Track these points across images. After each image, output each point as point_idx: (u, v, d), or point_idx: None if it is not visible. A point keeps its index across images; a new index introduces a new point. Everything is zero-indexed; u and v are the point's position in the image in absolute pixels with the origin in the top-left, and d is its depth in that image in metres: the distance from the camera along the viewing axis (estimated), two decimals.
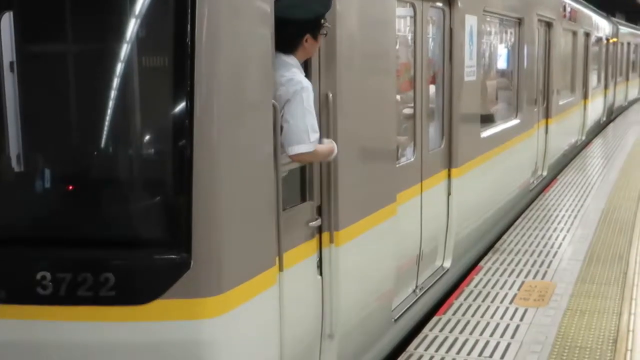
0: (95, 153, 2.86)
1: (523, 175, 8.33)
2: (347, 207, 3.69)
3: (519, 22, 7.88)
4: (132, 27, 2.73)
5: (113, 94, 2.78)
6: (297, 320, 3.29)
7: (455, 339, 4.52)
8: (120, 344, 2.68)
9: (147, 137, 2.90)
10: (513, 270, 5.89)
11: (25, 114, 2.80)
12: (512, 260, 6.16)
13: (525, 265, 6.02)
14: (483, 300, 5.18)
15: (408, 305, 4.73)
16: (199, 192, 2.60)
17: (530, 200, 8.65)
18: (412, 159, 4.90)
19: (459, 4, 5.55)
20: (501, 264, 6.07)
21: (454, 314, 4.94)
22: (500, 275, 5.76)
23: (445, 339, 4.54)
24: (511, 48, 8.12)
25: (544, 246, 6.60)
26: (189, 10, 2.56)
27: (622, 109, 21.37)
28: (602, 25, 15.92)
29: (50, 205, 2.82)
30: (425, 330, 4.70)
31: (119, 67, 2.76)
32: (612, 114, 19.00)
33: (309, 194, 3.50)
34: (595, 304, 5.06)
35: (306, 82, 3.22)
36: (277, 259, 3.05)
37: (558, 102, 10.29)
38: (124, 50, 2.76)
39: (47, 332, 2.70)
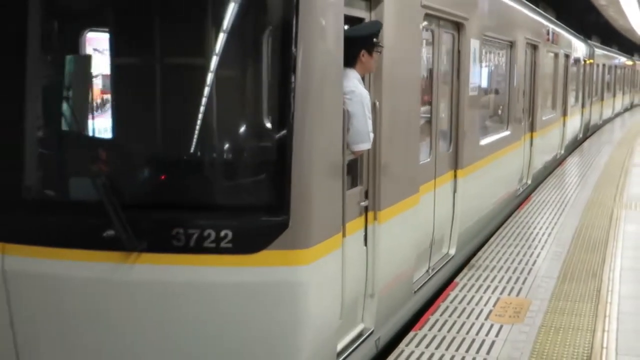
0: (222, 143, 3.88)
1: (512, 181, 9.36)
2: (386, 193, 4.61)
3: (511, 45, 8.92)
4: (264, 53, 3.76)
5: (242, 104, 3.92)
6: (351, 277, 4.15)
7: (432, 355, 4.53)
8: (235, 283, 3.53)
9: (259, 132, 3.87)
10: (489, 287, 5.92)
11: (188, 112, 3.76)
12: (487, 277, 6.20)
13: (500, 281, 6.06)
14: (459, 316, 5.20)
15: (423, 282, 5.63)
16: (296, 173, 3.51)
17: (516, 205, 9.50)
18: (429, 160, 5.84)
19: (466, 29, 6.53)
20: (477, 280, 6.11)
21: (430, 329, 4.96)
22: (476, 292, 5.79)
23: (422, 354, 4.55)
24: (504, 67, 9.06)
25: (519, 263, 6.65)
26: (294, 39, 3.49)
27: (597, 127, 22.32)
28: (580, 48, 17.04)
29: (187, 181, 3.74)
30: (402, 345, 4.71)
31: (248, 82, 3.94)
32: (588, 131, 19.82)
33: (360, 180, 4.44)
34: (570, 321, 5.10)
35: (365, 93, 4.17)
36: (342, 227, 3.95)
37: (542, 118, 11.28)
38: (254, 66, 3.84)
39: (178, 274, 3.52)
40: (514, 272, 6.35)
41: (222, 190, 3.76)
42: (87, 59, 4.03)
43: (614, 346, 4.67)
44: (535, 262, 6.71)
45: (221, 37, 3.74)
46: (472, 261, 6.72)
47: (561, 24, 14.70)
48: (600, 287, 5.86)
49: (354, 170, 4.39)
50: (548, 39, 11.87)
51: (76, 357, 3.76)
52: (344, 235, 3.98)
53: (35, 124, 3.88)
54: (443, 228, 6.24)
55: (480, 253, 7.00)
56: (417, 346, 4.68)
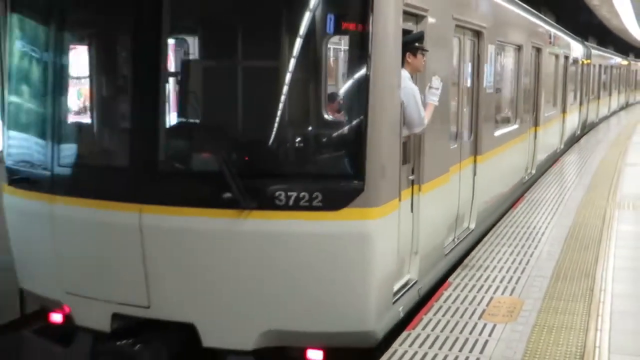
0: (313, 128, 5.06)
1: (520, 169, 10.68)
2: (426, 170, 5.79)
3: (519, 48, 10.16)
4: (348, 58, 4.98)
5: (336, 102, 5.16)
6: (403, 235, 5.27)
7: (425, 354, 4.55)
8: (322, 233, 4.61)
9: (342, 119, 5.04)
10: (482, 286, 5.94)
11: (292, 105, 4.93)
12: (481, 276, 6.22)
13: (494, 281, 6.08)
14: (452, 316, 5.21)
15: (451, 249, 6.72)
16: (370, 151, 4.61)
17: (522, 192, 10.62)
18: (455, 146, 6.92)
19: (484, 36, 7.67)
20: (470, 279, 6.13)
21: (423, 329, 4.97)
22: (470, 291, 5.81)
23: (415, 354, 4.56)
24: (513, 68, 10.17)
25: (513, 262, 6.67)
26: (369, 46, 4.63)
27: (594, 125, 23.44)
28: (577, 49, 18.22)
29: (289, 156, 4.97)
30: (395, 345, 4.72)
31: (344, 82, 5.19)
32: (585, 128, 20.88)
33: (408, 158, 5.55)
34: (563, 320, 5.12)
35: (415, 88, 5.47)
36: (398, 194, 5.10)
37: (544, 114, 12.50)
38: (360, 71, 4.73)
39: (280, 226, 4.62)
40: (507, 271, 6.37)
41: (314, 163, 4.91)
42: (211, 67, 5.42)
43: (607, 345, 4.69)
44: (528, 261, 6.73)
45: (323, 49, 5.00)
46: (466, 261, 6.74)
47: (560, 27, 15.76)
48: (593, 287, 5.89)
49: (405, 150, 5.46)
50: (550, 42, 13.04)
51: (191, 285, 4.85)
52: (399, 200, 5.15)
53: (174, 117, 5.23)
54: (465, 205, 7.32)
55: (474, 252, 7.03)
56: (410, 346, 4.69)
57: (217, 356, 4.99)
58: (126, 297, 5.04)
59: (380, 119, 4.75)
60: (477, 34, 7.61)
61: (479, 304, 5.48)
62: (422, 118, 5.45)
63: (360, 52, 4.75)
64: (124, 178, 4.94)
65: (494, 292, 5.78)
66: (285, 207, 4.61)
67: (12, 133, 5.69)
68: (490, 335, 4.84)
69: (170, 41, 5.16)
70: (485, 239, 7.62)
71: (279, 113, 4.87)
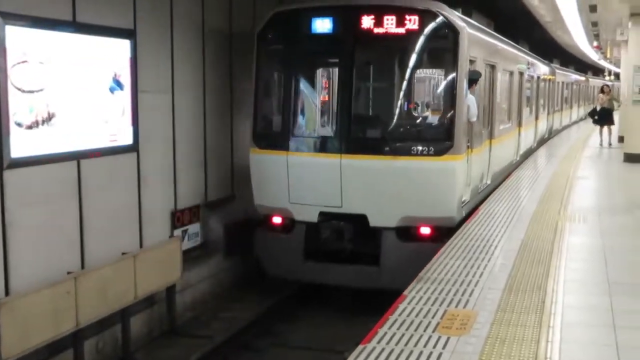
0: (427, 115, 10.66)
1: (512, 154, 15.54)
2: (475, 142, 10.41)
3: (511, 73, 14.84)
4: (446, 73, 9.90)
5: (436, 97, 10.86)
6: (466, 172, 9.87)
7: None
8: (433, 167, 9.22)
9: (443, 108, 9.89)
10: (437, 299, 6.00)
11: (410, 101, 10.54)
12: (435, 289, 6.28)
13: (448, 294, 6.15)
14: (407, 329, 5.25)
15: (479, 190, 11.26)
16: (456, 129, 9.34)
17: (514, 168, 15.47)
18: (484, 131, 11.48)
19: (496, 68, 12.56)
20: (425, 292, 6.18)
21: (378, 342, 5.00)
22: (424, 304, 5.86)
23: None
24: (508, 87, 14.75)
25: (467, 275, 6.75)
26: (456, 53, 9.47)
27: (558, 132, 28.16)
28: (545, 70, 22.58)
29: (418, 130, 10.07)
30: (350, 359, 4.74)
31: (443, 78, 9.98)
32: (551, 133, 25.25)
33: (468, 134, 9.88)
34: (515, 332, 5.20)
35: (473, 98, 9.97)
36: (466, 151, 9.77)
37: (525, 117, 17.18)
38: (440, 71, 10.35)
39: (412, 164, 9.24)
40: (461, 284, 6.44)
41: (430, 134, 9.81)
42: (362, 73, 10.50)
43: (557, 356, 4.77)
44: (482, 274, 6.81)
45: (433, 65, 10.72)
46: (421, 274, 6.79)
47: (533, 53, 20.65)
48: (545, 299, 5.99)
49: (467, 130, 9.88)
50: (527, 67, 17.43)
51: (365, 194, 9.35)
52: (467, 154, 9.81)
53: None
54: (484, 170, 11.64)
55: (429, 265, 7.09)
56: (365, 359, 4.71)
57: (375, 232, 9.46)
58: (329, 202, 9.54)
59: (460, 113, 9.49)
60: (492, 67, 12.24)
61: (433, 317, 5.53)
62: (475, 115, 10.05)
63: (453, 78, 9.58)
64: (333, 141, 9.66)
65: (448, 305, 5.84)
66: (415, 155, 9.25)
67: (259, 121, 10.24)
68: (444, 348, 4.89)
69: (357, 70, 9.88)
70: (441, 251, 7.69)
71: (412, 110, 10.54)
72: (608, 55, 39.49)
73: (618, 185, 14.05)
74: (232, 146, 11.57)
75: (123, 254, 8.46)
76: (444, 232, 9.17)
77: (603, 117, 21.10)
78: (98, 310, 7.73)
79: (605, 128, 21.74)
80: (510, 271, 6.89)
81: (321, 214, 9.56)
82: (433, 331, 5.20)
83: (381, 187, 9.28)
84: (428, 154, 9.19)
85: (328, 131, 10.21)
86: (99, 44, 8.28)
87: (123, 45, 8.71)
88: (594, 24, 22.42)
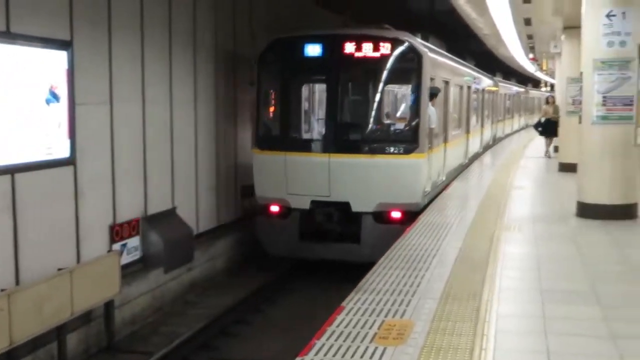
0: (396, 122, 13.39)
1: (461, 156, 17.84)
2: (434, 144, 12.79)
3: (461, 87, 17.36)
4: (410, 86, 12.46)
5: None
6: (427, 169, 12.24)
7: None
8: (401, 163, 11.65)
9: (410, 116, 12.26)
10: (374, 310, 6.05)
11: (385, 110, 13.74)
12: (373, 300, 6.34)
13: (386, 304, 6.21)
14: (344, 340, 5.29)
15: (437, 184, 13.48)
16: (420, 133, 11.76)
17: (463, 169, 17.83)
18: (442, 135, 14.06)
19: (450, 83, 15.03)
20: (363, 303, 6.24)
21: (315, 354, 5.03)
22: (362, 315, 5.91)
23: None
24: (459, 99, 17.38)
25: (405, 285, 6.84)
26: (420, 72, 11.92)
27: (501, 139, 30.78)
28: (490, 83, 25.07)
29: (390, 135, 12.57)
30: None
31: (410, 93, 12.41)
32: (495, 140, 28.10)
33: (429, 137, 12.35)
34: (450, 340, 5.29)
35: (433, 109, 12.40)
36: (427, 151, 12.18)
37: (472, 125, 19.92)
38: (408, 87, 12.70)
39: (386, 161, 11.63)
40: (399, 294, 6.52)
41: (400, 137, 12.13)
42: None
43: None
44: (420, 284, 6.91)
45: (402, 82, 13.35)
46: (360, 284, 6.85)
47: (477, 68, 23.08)
48: (480, 307, 6.10)
49: (429, 134, 12.16)
50: (474, 81, 20.08)
51: (349, 185, 11.62)
52: (429, 154, 12.21)
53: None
54: (441, 167, 13.93)
55: (367, 276, 7.16)
56: None
57: (357, 216, 11.69)
58: (319, 192, 11.75)
59: (423, 121, 11.81)
60: (447, 82, 14.69)
61: (370, 328, 5.58)
62: (434, 122, 12.46)
63: (417, 91, 12.00)
64: (322, 143, 12.03)
65: (386, 315, 5.90)
66: (388, 154, 11.56)
67: (261, 128, 12.53)
68: (380, 358, 4.94)
69: (341, 86, 12.27)
70: (379, 262, 7.77)
71: (385, 118, 13.21)
72: (544, 67, 40.54)
73: (553, 194, 14.41)
74: (172, 158, 11.50)
75: (59, 269, 8.31)
76: (411, 215, 11.34)
77: (547, 128, 21.51)
78: (33, 328, 7.56)
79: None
80: (447, 280, 7.01)
81: (313, 202, 11.91)
82: (370, 342, 5.26)
83: (361, 180, 11.67)
84: (398, 153, 11.65)
85: (318, 135, 12.72)
86: (34, 55, 8.16)
87: (59, 56, 8.59)
88: (530, 37, 23.00)
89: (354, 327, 5.61)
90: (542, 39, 22.97)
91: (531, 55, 31.35)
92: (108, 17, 9.69)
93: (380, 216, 11.70)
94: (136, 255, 10.44)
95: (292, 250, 12.04)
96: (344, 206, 11.78)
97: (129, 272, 10.12)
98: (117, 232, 9.94)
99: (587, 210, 10.70)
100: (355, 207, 11.74)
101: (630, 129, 10.42)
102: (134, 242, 10.37)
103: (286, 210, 12.05)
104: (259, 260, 13.65)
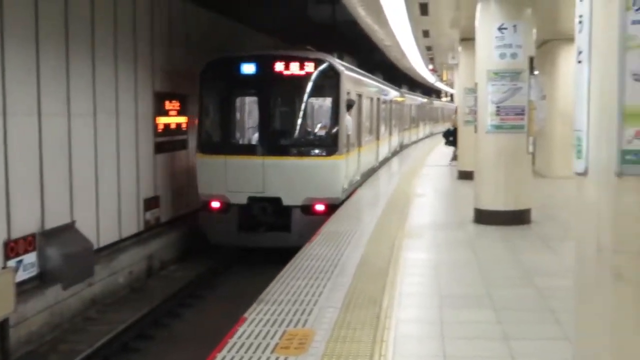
0: (318, 128, 15.36)
1: (373, 159, 20.05)
2: (350, 148, 14.92)
3: (371, 99, 19.45)
4: (329, 98, 14.57)
5: (326, 115, 15.03)
6: (345, 169, 14.36)
7: None
8: (322, 164, 13.75)
9: (330, 125, 14.44)
10: (276, 320, 6.08)
11: (309, 119, 15.43)
12: (275, 311, 6.36)
13: (287, 314, 6.25)
14: (246, 352, 5.29)
15: (354, 182, 15.71)
16: (339, 139, 13.87)
17: (375, 170, 20.28)
18: (356, 142, 16.17)
19: (362, 96, 17.26)
20: (265, 314, 6.25)
21: None
22: (264, 326, 5.92)
23: None
24: (370, 110, 19.54)
25: (306, 295, 6.89)
26: (339, 87, 14.05)
27: (408, 145, 32.88)
28: (396, 94, 27.70)
29: (314, 140, 14.69)
30: None
31: (328, 108, 14.71)
32: (402, 146, 30.13)
33: (347, 143, 14.64)
34: (350, 348, 5.37)
35: (350, 118, 14.80)
36: (346, 153, 14.38)
37: (382, 133, 22.33)
38: (329, 99, 14.58)
39: (311, 162, 13.74)
40: (301, 304, 6.57)
41: (323, 142, 14.23)
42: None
43: None
44: (322, 293, 6.98)
45: (323, 96, 14.96)
46: (262, 296, 6.86)
47: (385, 81, 25.70)
48: (380, 314, 6.22)
49: (347, 140, 14.39)
50: (383, 93, 22.57)
51: (280, 182, 13.47)
52: (346, 157, 14.28)
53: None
54: (357, 168, 16.14)
55: (269, 287, 7.18)
56: None
57: (287, 209, 13.48)
58: (255, 189, 13.47)
59: (341, 128, 13.88)
60: (360, 95, 16.68)
61: (272, 338, 5.60)
62: (350, 129, 14.55)
63: (336, 103, 14.11)
64: (257, 147, 13.90)
65: (288, 325, 5.94)
66: (313, 156, 13.70)
67: (204, 135, 14.47)
68: None
69: (272, 99, 14.39)
70: (281, 273, 7.81)
71: (310, 126, 14.96)
72: (444, 78, 41.68)
73: (452, 202, 14.82)
74: (70, 171, 11.19)
75: None
76: (333, 208, 13.26)
77: (456, 137, 21.99)
78: None
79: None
80: (349, 288, 7.11)
81: (249, 198, 13.67)
82: (272, 352, 5.28)
83: (290, 178, 13.54)
84: (321, 155, 13.81)
85: (254, 141, 14.58)
86: None
87: None
88: (429, 48, 23.60)
89: (255, 337, 5.62)
90: (441, 51, 23.63)
91: (431, 67, 32.18)
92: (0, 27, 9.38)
93: (307, 209, 13.57)
94: (33, 271, 10.09)
95: (232, 239, 13.82)
96: (276, 201, 13.62)
97: (25, 289, 9.77)
98: (12, 248, 9.59)
99: (483, 217, 11.07)
100: (286, 202, 13.59)
101: (522, 137, 10.89)
102: (30, 258, 10.02)
103: (226, 205, 13.76)
104: (162, 273, 13.48)
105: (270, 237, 13.65)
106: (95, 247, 11.82)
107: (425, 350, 5.51)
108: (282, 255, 10.01)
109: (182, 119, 15.74)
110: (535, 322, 6.11)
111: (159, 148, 14.56)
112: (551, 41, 17.87)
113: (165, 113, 14.86)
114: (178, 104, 15.45)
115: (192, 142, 16.19)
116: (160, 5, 14.70)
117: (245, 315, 6.24)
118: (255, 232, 13.70)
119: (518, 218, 10.95)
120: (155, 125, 14.42)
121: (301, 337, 5.63)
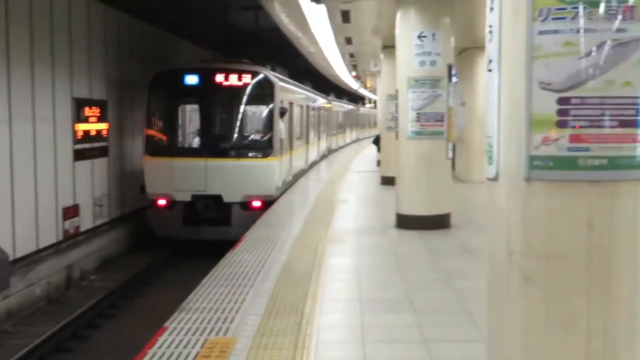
0: (255, 133, 16.34)
1: (303, 162, 21.61)
2: (283, 151, 16.66)
3: (301, 107, 20.85)
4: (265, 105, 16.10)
5: (262, 121, 16.34)
6: (279, 169, 16.10)
7: None
8: (258, 164, 15.32)
9: (265, 129, 15.98)
10: (198, 329, 6.02)
11: (245, 124, 16.66)
12: (197, 319, 6.30)
13: (209, 322, 6.19)
14: None
15: (286, 182, 17.45)
16: (274, 142, 15.56)
17: (306, 171, 22.29)
18: (288, 145, 17.73)
19: (293, 103, 19.09)
20: (186, 323, 6.18)
21: None
22: (185, 335, 5.86)
23: None
24: (300, 116, 21.18)
25: (229, 302, 6.85)
26: (273, 96, 15.84)
27: (335, 150, 35.04)
28: (324, 102, 29.53)
29: (251, 142, 15.94)
30: None
31: (263, 115, 16.35)
32: (330, 150, 31.95)
33: (281, 146, 16.70)
34: (272, 355, 5.36)
35: (282, 124, 16.46)
36: (280, 155, 16.16)
37: (310, 138, 23.99)
38: (264, 107, 16.43)
39: (249, 163, 15.56)
40: (223, 312, 6.52)
41: (259, 145, 15.62)
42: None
43: None
44: (244, 300, 6.94)
45: (260, 104, 16.19)
46: (183, 304, 6.79)
47: (315, 90, 27.78)
48: (301, 320, 6.23)
49: (280, 143, 16.07)
50: (312, 101, 24.50)
51: (220, 181, 15.03)
52: (280, 158, 15.98)
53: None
54: (289, 169, 17.83)
55: (191, 296, 7.10)
56: None
57: (227, 205, 15.02)
58: (198, 187, 14.96)
59: (276, 133, 15.61)
60: (291, 103, 18.37)
61: (193, 347, 5.55)
62: (283, 134, 16.16)
63: (270, 111, 15.82)
64: (200, 151, 15.41)
65: (209, 334, 5.89)
66: (251, 157, 15.21)
67: (151, 139, 15.69)
68: None
69: (213, 107, 16.21)
70: (204, 280, 7.74)
71: (248, 130, 16.20)
72: (368, 85, 42.11)
73: (375, 207, 14.99)
74: None
75: None
76: (268, 204, 14.73)
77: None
78: None
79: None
80: (271, 295, 7.10)
81: (193, 195, 15.10)
82: None
83: (230, 177, 15.02)
84: (258, 157, 15.34)
85: (197, 144, 16.10)
86: None
87: None
88: (352, 55, 23.81)
89: (176, 347, 5.55)
90: (364, 58, 23.87)
91: (354, 73, 32.48)
92: None
93: (245, 205, 15.08)
94: None
95: (177, 233, 15.25)
96: (217, 198, 15.10)
97: None
98: None
99: (405, 222, 11.24)
100: (226, 199, 15.09)
101: (442, 143, 11.11)
102: None
103: (172, 203, 15.16)
104: (82, 283, 13.18)
105: (212, 231, 14.99)
106: (12, 258, 11.46)
107: (346, 355, 5.56)
108: (219, 251, 10.48)
109: (103, 126, 15.44)
110: (454, 324, 6.23)
111: (79, 155, 14.23)
112: (470, 49, 18.32)
113: (85, 120, 14.54)
114: (98, 110, 15.15)
115: (114, 150, 15.96)
116: (78, 10, 14.39)
117: (166, 324, 6.16)
118: (198, 227, 15.09)
119: (438, 222, 11.16)
120: (75, 132, 14.09)
121: (222, 345, 5.59)
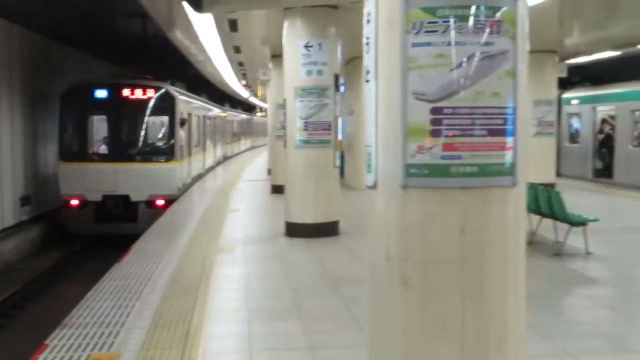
0: (157, 139, 18.68)
1: (202, 165, 24.05)
2: (184, 155, 19.02)
3: (199, 117, 23.05)
4: (166, 115, 18.21)
5: (163, 129, 18.55)
6: (181, 172, 18.37)
7: None
8: (162, 168, 17.48)
9: (167, 137, 18.09)
10: (80, 345, 5.85)
11: (149, 132, 18.71)
12: (80, 335, 6.11)
13: (92, 338, 6.03)
14: None
15: (186, 184, 19.23)
16: (176, 148, 17.68)
17: (205, 173, 25.12)
18: (187, 151, 19.72)
19: (192, 114, 21.40)
20: (68, 339, 5.99)
21: None
22: (67, 352, 5.68)
23: None
24: (201, 125, 24.05)
25: (114, 317, 6.69)
26: (174, 108, 17.76)
27: (230, 157, 36.65)
28: (220, 111, 32.01)
29: (155, 149, 18.13)
30: None
31: (164, 123, 18.37)
32: (225, 157, 34.01)
33: (188, 149, 20.08)
34: None
35: (183, 133, 19.00)
36: (181, 157, 18.41)
37: (210, 146, 27.07)
38: (166, 118, 18.21)
39: (154, 166, 17.33)
40: (107, 326, 6.36)
41: (163, 150, 17.68)
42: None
43: None
44: (130, 313, 6.80)
45: (163, 115, 18.18)
46: (65, 320, 6.57)
47: (210, 101, 29.68)
48: (189, 331, 6.17)
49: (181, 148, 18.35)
50: (208, 111, 26.54)
51: (128, 182, 16.97)
52: (180, 163, 18.05)
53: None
54: (187, 173, 19.69)
55: (74, 311, 6.89)
56: None
57: (135, 204, 16.81)
58: (108, 188, 16.69)
59: (177, 140, 17.63)
60: (190, 114, 19.89)
61: None
62: (183, 141, 18.35)
63: (172, 121, 17.77)
64: (110, 156, 17.32)
65: (92, 349, 5.73)
66: (156, 161, 17.24)
67: (65, 146, 17.46)
68: None
69: (121, 117, 18.09)
70: (87, 295, 7.53)
71: (152, 138, 18.42)
72: (258, 94, 42.16)
73: (265, 216, 15.01)
74: None
75: None
76: (170, 202, 16.57)
77: None
78: None
79: None
80: (158, 307, 6.99)
81: (104, 195, 16.68)
82: None
83: (137, 179, 16.75)
84: (161, 161, 17.28)
85: (106, 151, 17.71)
86: None
87: None
88: (241, 64, 23.79)
89: None
90: (254, 67, 23.87)
91: (244, 82, 32.44)
92: None
93: (150, 203, 16.80)
94: None
95: (89, 229, 16.99)
96: (126, 197, 16.79)
97: None
98: None
99: (294, 230, 11.31)
100: (134, 198, 16.79)
101: (329, 151, 11.26)
102: None
103: (84, 202, 16.76)
104: None
105: (120, 227, 16.64)
106: None
107: None
108: (124, 248, 10.90)
109: None
110: (339, 330, 6.33)
111: None
112: (357, 58, 18.68)
113: None
114: None
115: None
116: None
117: (47, 341, 5.95)
118: (109, 223, 16.81)
119: (327, 230, 11.30)
120: None
121: None
